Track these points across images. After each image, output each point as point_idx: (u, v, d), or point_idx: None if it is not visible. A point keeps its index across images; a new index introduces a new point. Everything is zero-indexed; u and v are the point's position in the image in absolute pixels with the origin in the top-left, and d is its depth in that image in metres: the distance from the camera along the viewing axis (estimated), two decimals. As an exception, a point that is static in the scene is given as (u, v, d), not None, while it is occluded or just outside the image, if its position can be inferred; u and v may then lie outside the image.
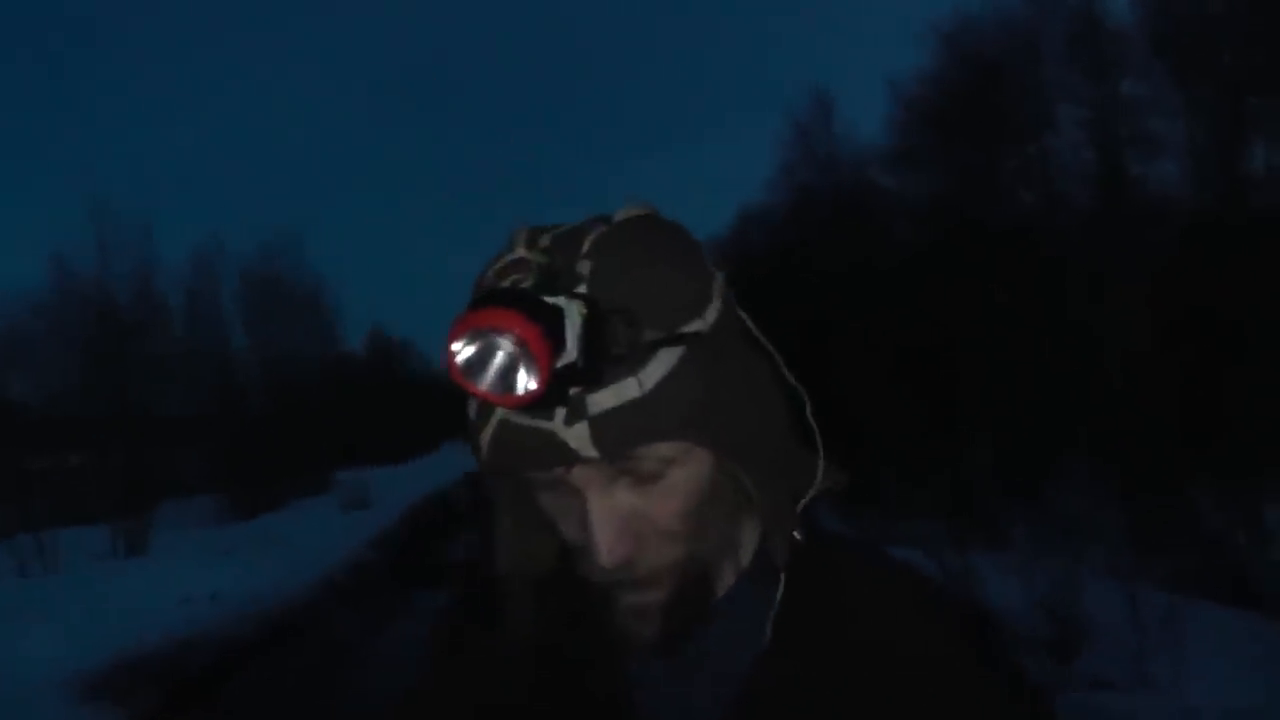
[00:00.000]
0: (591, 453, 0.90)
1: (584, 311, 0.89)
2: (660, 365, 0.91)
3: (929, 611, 1.04)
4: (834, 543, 1.09)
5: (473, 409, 0.97)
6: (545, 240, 0.95)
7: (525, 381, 0.85)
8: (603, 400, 0.89)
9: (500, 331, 0.84)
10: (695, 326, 0.94)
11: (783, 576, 1.01)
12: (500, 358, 0.85)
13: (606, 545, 0.93)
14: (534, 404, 0.87)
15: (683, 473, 0.95)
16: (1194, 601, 9.31)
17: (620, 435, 0.90)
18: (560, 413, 0.89)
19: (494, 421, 0.93)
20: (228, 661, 10.58)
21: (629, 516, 0.95)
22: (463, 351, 0.86)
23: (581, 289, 0.91)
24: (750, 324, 1.03)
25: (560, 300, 0.88)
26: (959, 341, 14.94)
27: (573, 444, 0.90)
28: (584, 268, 0.92)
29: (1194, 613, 8.78)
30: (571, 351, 0.87)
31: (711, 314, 0.97)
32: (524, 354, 0.84)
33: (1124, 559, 10.39)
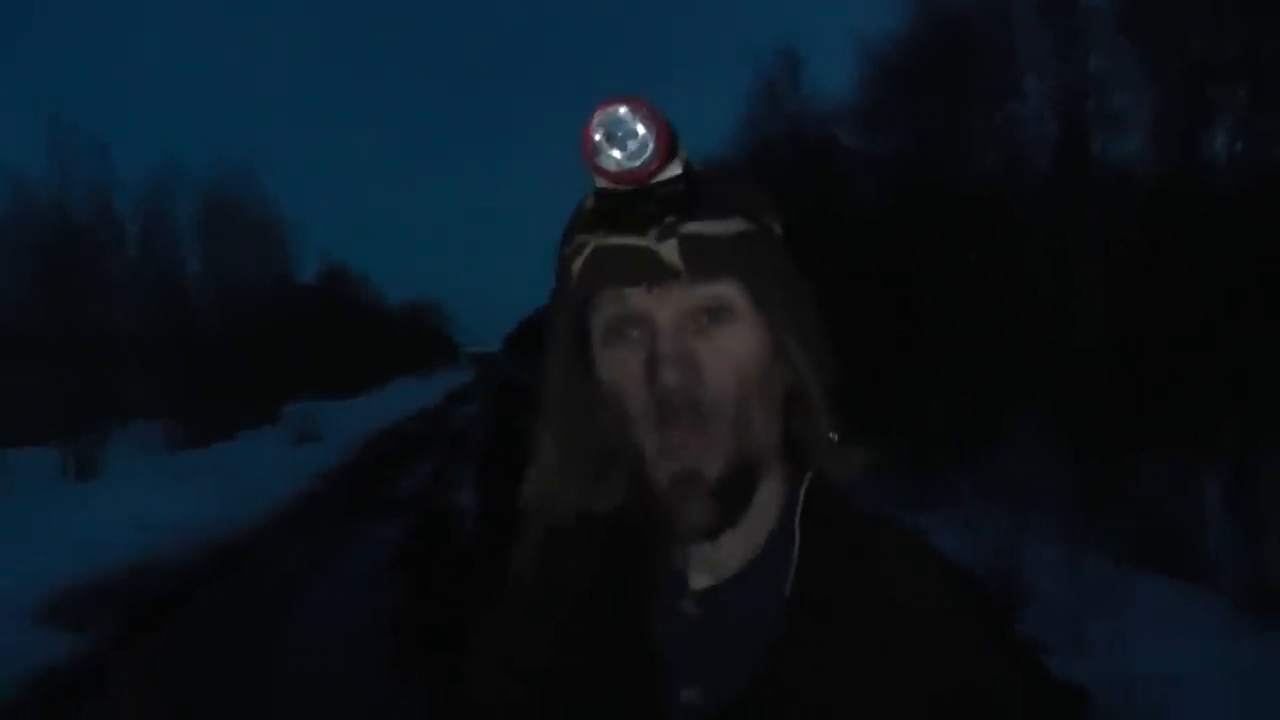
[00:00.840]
0: (677, 263, 1.02)
1: (687, 156, 1.06)
2: (741, 224, 1.06)
3: (949, 587, 1.09)
4: (852, 510, 1.15)
5: (569, 250, 1.09)
6: None
7: (650, 155, 1.00)
8: (692, 228, 1.03)
9: (635, 109, 1.00)
10: (769, 222, 1.12)
11: (797, 543, 1.09)
12: (631, 133, 1.01)
13: (671, 361, 1.01)
14: (640, 198, 1.03)
15: (746, 328, 1.05)
16: (1135, 570, 9.52)
17: (705, 258, 1.02)
18: (654, 232, 1.03)
19: (590, 247, 1.06)
20: (184, 589, 10.60)
21: (694, 349, 1.03)
22: (598, 129, 1.01)
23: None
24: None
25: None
26: (917, 300, 15.07)
27: (664, 256, 1.02)
28: (682, 148, 1.06)
29: (1135, 581, 8.98)
30: (677, 165, 1.03)
31: (778, 228, 1.13)
32: (651, 129, 1.00)
33: (1068, 524, 10.59)
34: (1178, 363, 11.68)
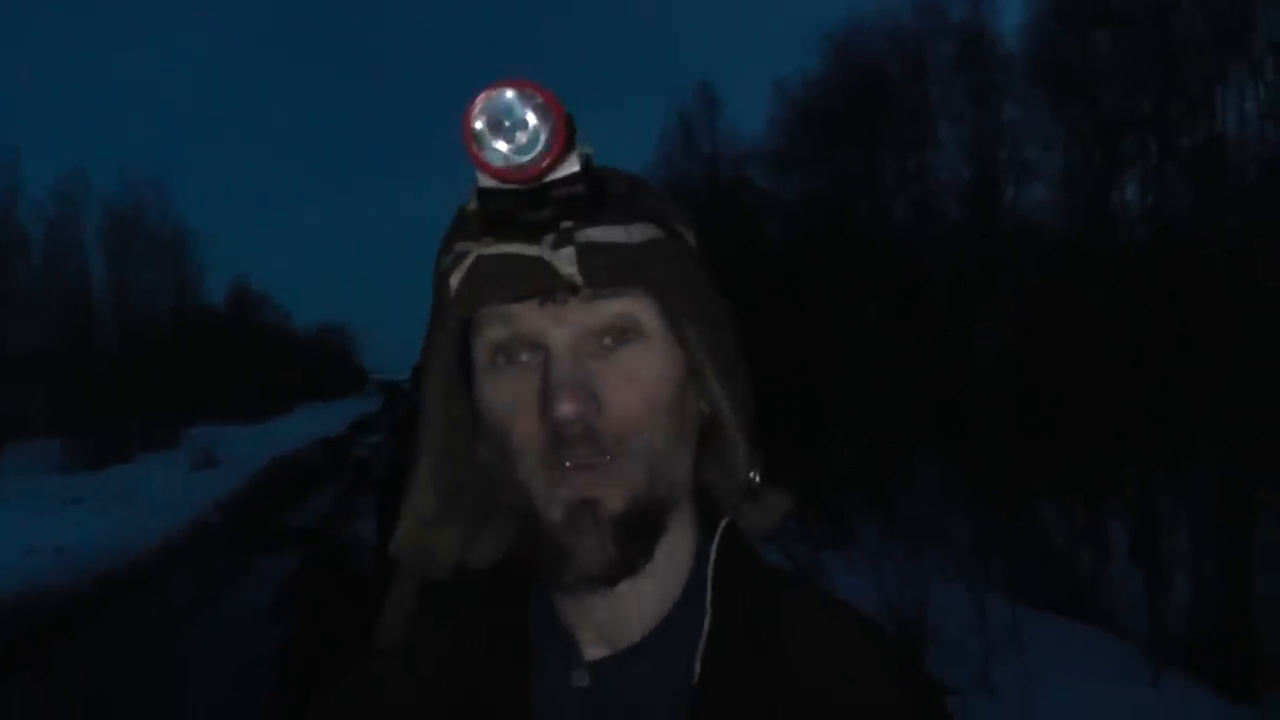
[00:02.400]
0: (574, 275, 0.86)
1: (589, 151, 0.89)
2: (650, 230, 0.91)
3: (869, 656, 0.96)
4: (770, 573, 1.01)
5: (447, 260, 0.92)
6: None
7: (542, 149, 0.83)
8: (592, 235, 0.88)
9: (524, 94, 0.84)
10: (681, 229, 0.96)
11: (709, 610, 0.94)
12: (520, 122, 0.84)
13: (567, 390, 0.86)
14: (530, 206, 0.87)
15: (655, 348, 0.91)
16: (1039, 613, 9.62)
17: (607, 269, 0.87)
18: (548, 239, 0.87)
19: (471, 257, 0.90)
20: (69, 618, 10.33)
21: (593, 374, 0.88)
22: (480, 117, 0.84)
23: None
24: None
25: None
26: (822, 343, 15.18)
27: (559, 267, 0.87)
28: (581, 141, 0.89)
29: (1039, 623, 9.07)
30: (574, 162, 0.86)
31: (691, 236, 0.98)
32: (545, 118, 0.84)
33: (969, 566, 10.68)
34: (1081, 411, 11.88)
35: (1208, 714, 8.06)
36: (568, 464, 0.86)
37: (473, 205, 0.91)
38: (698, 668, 0.92)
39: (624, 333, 0.89)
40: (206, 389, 33.45)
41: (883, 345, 14.17)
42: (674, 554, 0.95)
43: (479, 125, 0.84)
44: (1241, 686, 9.10)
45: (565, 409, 0.85)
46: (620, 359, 0.89)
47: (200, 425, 30.28)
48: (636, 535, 0.88)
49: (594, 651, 0.94)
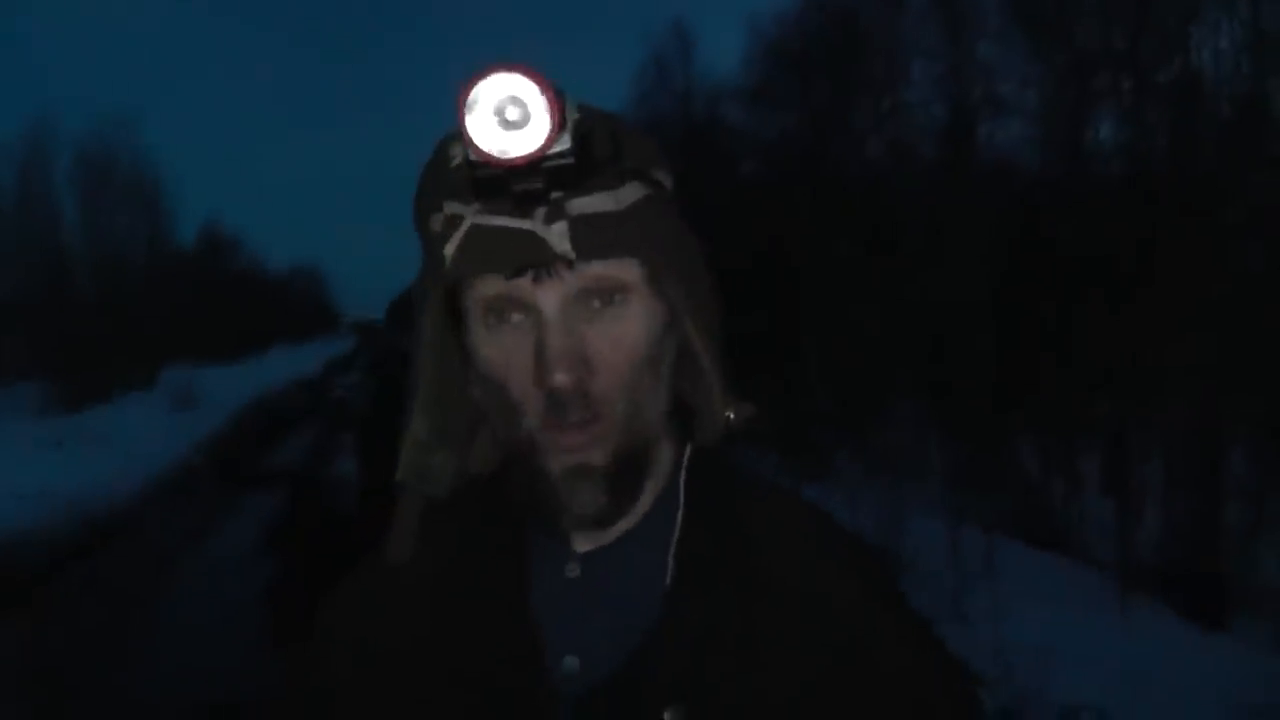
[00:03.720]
0: (568, 250, 0.91)
1: (577, 116, 0.94)
2: (635, 192, 0.96)
3: (834, 550, 1.05)
4: (739, 475, 1.09)
5: (438, 221, 0.97)
6: None
7: (544, 141, 0.88)
8: (583, 206, 0.92)
9: (525, 87, 0.88)
10: (661, 178, 1.02)
11: (681, 506, 1.03)
12: (525, 115, 0.88)
13: (556, 359, 0.93)
14: (526, 183, 0.91)
15: (640, 306, 0.97)
16: (1010, 542, 9.76)
17: (596, 240, 0.92)
18: (540, 212, 0.91)
19: (466, 226, 0.94)
20: (53, 562, 10.32)
21: (582, 340, 0.94)
22: (476, 105, 0.89)
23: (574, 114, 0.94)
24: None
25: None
26: (799, 280, 15.21)
27: (551, 242, 0.91)
28: (571, 108, 0.94)
29: (1011, 554, 9.22)
30: (566, 139, 0.91)
31: (669, 181, 1.04)
32: (542, 109, 0.88)
33: (945, 499, 10.83)
34: (1055, 344, 11.98)
35: (1177, 641, 8.24)
36: (562, 426, 0.94)
37: (457, 160, 0.96)
38: (670, 563, 1.01)
39: (611, 294, 0.96)
40: (182, 330, 33.18)
41: (858, 282, 14.21)
42: (656, 465, 1.05)
43: (476, 112, 0.89)
44: (1211, 615, 9.28)
45: (560, 379, 0.92)
46: (607, 321, 0.96)
47: (177, 367, 30.10)
48: (625, 483, 0.99)
49: (583, 544, 1.04)
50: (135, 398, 24.86)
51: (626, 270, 0.96)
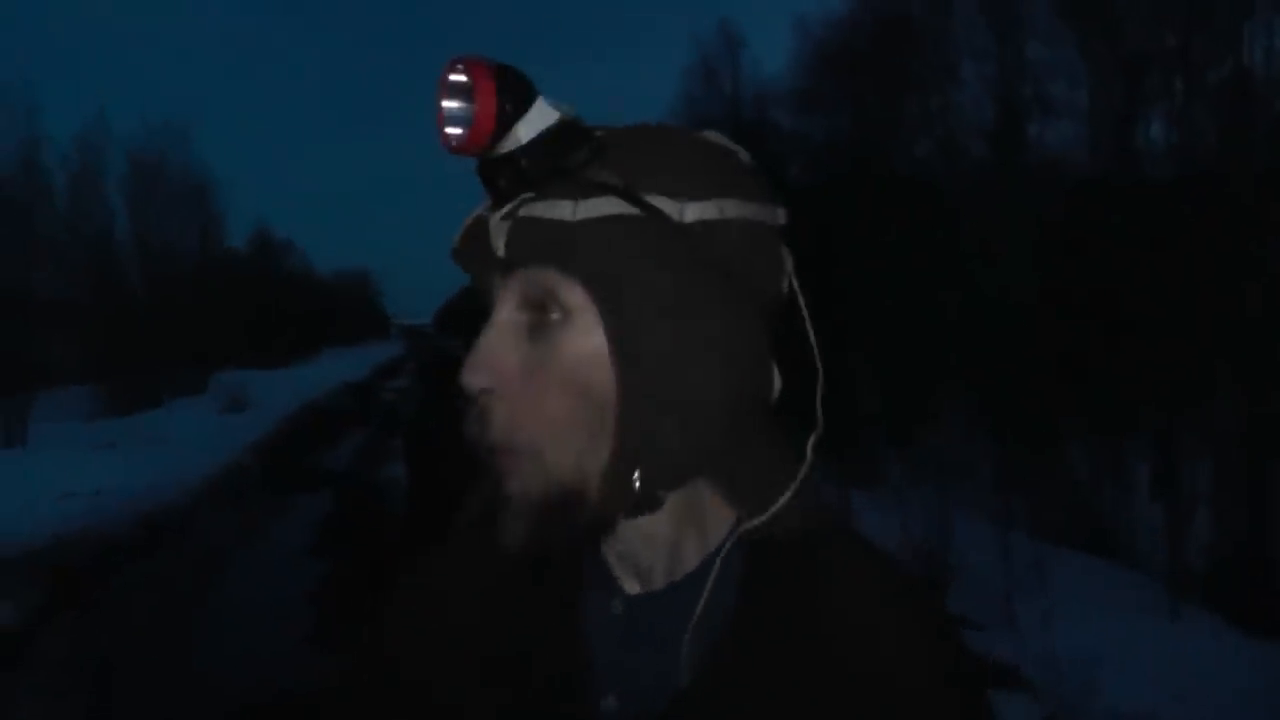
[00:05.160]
0: (500, 249, 0.88)
1: (564, 119, 0.88)
2: (603, 208, 0.86)
3: (904, 612, 0.95)
4: (816, 520, 0.98)
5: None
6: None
7: (478, 126, 0.85)
8: (535, 210, 0.87)
9: (459, 74, 0.87)
10: (666, 207, 0.87)
11: (710, 582, 0.95)
12: (453, 100, 0.87)
13: (472, 361, 0.89)
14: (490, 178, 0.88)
15: (574, 337, 0.88)
16: (1058, 547, 9.67)
17: (531, 245, 0.87)
18: (505, 209, 0.88)
19: (472, 217, 0.93)
20: (108, 561, 10.45)
21: (506, 351, 0.89)
22: (440, 99, 0.88)
23: (593, 131, 0.90)
24: (798, 295, 1.03)
25: (549, 104, 0.88)
26: (848, 283, 15.15)
27: (493, 240, 0.89)
28: (547, 108, 0.89)
29: (1061, 559, 9.13)
30: (520, 137, 0.86)
31: (698, 214, 0.88)
32: (468, 101, 0.85)
33: (994, 503, 10.74)
34: (1104, 348, 11.86)
35: (1226, 647, 8.14)
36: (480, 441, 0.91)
37: None
38: (734, 604, 0.94)
39: (545, 310, 0.89)
40: (233, 335, 33.52)
41: (908, 284, 14.15)
42: (706, 519, 0.97)
43: (437, 103, 0.88)
44: (1260, 621, 9.17)
45: (467, 379, 0.89)
46: (536, 339, 0.89)
47: (227, 371, 30.39)
48: (547, 525, 0.89)
49: (630, 586, 0.99)
50: (186, 401, 25.16)
51: (567, 289, 0.88)
